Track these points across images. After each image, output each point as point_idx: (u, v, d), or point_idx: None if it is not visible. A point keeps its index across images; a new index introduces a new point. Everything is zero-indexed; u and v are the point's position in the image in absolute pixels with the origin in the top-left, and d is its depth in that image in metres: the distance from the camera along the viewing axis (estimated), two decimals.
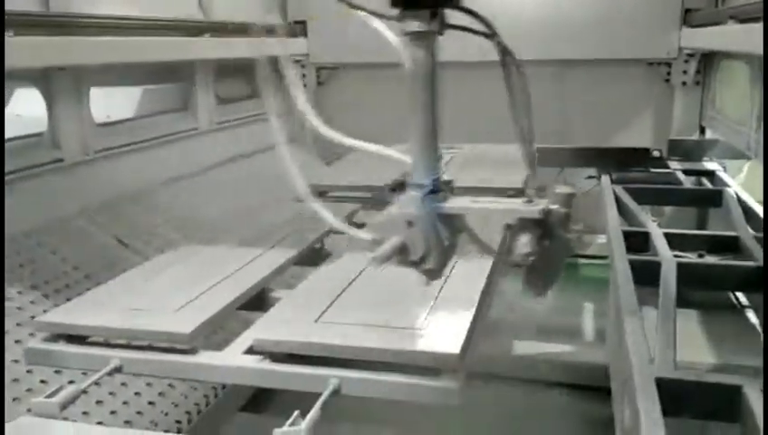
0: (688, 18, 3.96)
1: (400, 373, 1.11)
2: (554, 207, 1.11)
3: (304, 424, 0.98)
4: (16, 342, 1.99)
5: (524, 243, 1.10)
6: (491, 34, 1.10)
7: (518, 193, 2.30)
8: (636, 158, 3.48)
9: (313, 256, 1.78)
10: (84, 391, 1.16)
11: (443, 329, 1.17)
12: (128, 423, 1.96)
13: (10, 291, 2.17)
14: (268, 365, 1.16)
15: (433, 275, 1.15)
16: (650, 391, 1.33)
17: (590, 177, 3.48)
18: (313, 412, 1.02)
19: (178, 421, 2.10)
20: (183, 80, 3.51)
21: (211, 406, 2.20)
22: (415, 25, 1.04)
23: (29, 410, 1.13)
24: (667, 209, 3.88)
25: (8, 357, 1.93)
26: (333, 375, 1.12)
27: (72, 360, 1.26)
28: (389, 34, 1.06)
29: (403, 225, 1.11)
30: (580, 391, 2.71)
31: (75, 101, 2.73)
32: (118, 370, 1.21)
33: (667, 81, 4.18)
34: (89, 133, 2.78)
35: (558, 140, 3.84)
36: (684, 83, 4.11)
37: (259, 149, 4.14)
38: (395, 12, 1.05)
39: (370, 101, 4.61)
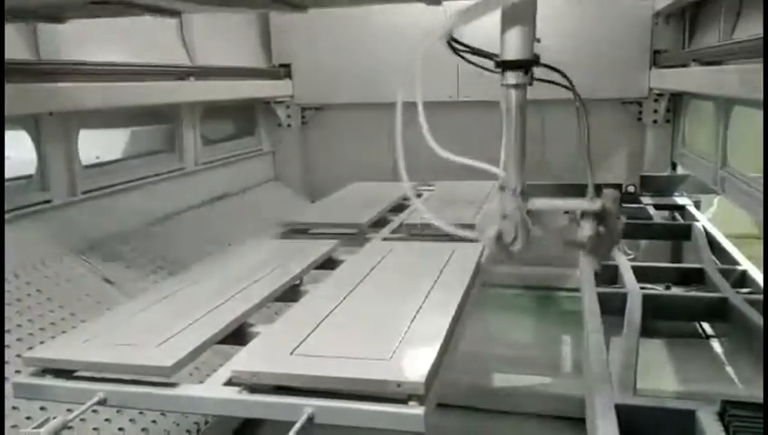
0: (657, 59, 4.14)
1: (371, 402, 1.18)
2: (608, 204, 1.47)
3: None
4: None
5: (587, 228, 1.47)
6: (569, 87, 1.51)
7: None
8: None
9: (292, 293, 1.85)
10: (70, 426, 1.21)
11: (410, 359, 1.25)
12: None
13: None
14: (246, 396, 1.23)
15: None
16: (610, 416, 1.41)
17: (567, 212, 3.58)
18: None
19: None
20: (169, 122, 3.62)
21: None
22: (513, 78, 1.43)
23: None
24: (642, 243, 3.99)
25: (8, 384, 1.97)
26: (308, 404, 1.19)
27: (59, 393, 1.32)
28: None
29: (499, 217, 1.47)
30: (559, 421, 2.76)
31: (64, 143, 2.81)
32: (102, 402, 1.27)
33: (639, 119, 4.35)
34: (77, 175, 2.86)
35: (537, 176, 3.96)
36: (655, 121, 4.27)
37: (244, 187, 4.25)
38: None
39: (352, 139, 4.75)
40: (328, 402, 1.19)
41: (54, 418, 1.22)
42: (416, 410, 1.15)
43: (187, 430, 2.18)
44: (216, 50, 3.91)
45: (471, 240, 1.65)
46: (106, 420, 2.03)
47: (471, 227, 1.58)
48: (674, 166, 4.30)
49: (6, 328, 2.24)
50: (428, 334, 1.37)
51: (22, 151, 2.81)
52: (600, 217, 1.50)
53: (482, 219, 1.66)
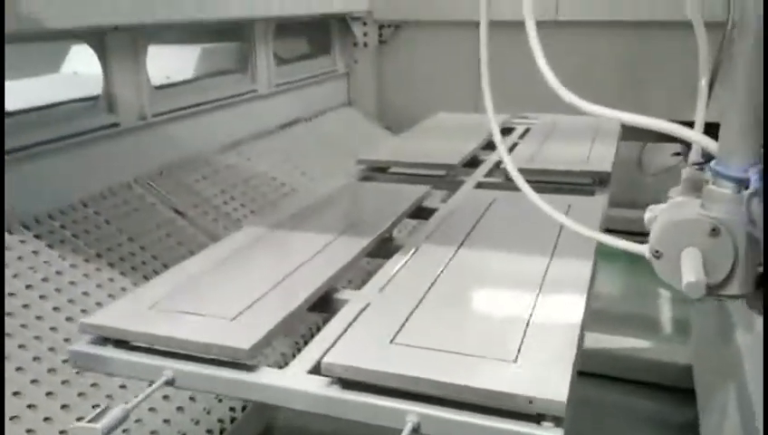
0: None
1: (492, 415, 0.94)
2: None
3: None
4: (67, 319, 1.92)
5: None
6: None
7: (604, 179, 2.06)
8: None
9: (382, 248, 1.61)
10: (133, 410, 1.03)
11: (542, 363, 0.99)
12: (166, 422, 1.83)
13: (63, 264, 2.09)
14: (338, 393, 1.01)
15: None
16: None
17: (676, 154, 3.19)
18: None
19: (221, 420, 1.98)
20: (242, 39, 3.35)
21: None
22: None
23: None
24: None
25: (59, 336, 1.86)
26: (412, 410, 0.96)
27: (121, 367, 1.14)
28: None
29: (703, 232, 0.87)
30: (658, 390, 2.51)
31: (132, 61, 2.60)
32: (170, 383, 1.09)
33: None
34: (146, 96, 2.66)
35: (636, 111, 3.54)
36: None
37: (317, 112, 3.99)
38: None
39: (434, 62, 4.36)
40: (438, 411, 0.96)
41: (108, 406, 1.02)
42: (552, 432, 0.91)
43: (220, 419, 1.98)
44: None
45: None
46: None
47: (641, 236, 1.01)
48: None
49: (73, 262, 2.12)
50: (558, 326, 1.11)
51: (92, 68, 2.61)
52: None
53: (664, 232, 0.94)
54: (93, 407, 1.42)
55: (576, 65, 4.15)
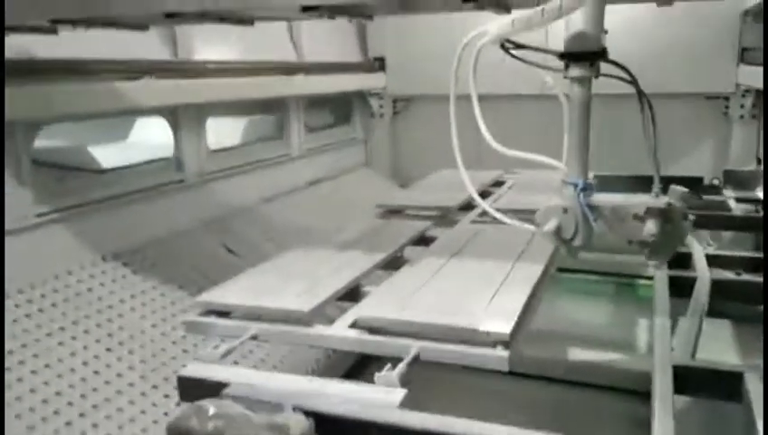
0: (745, 56, 4.19)
1: (465, 345, 1.49)
2: (673, 201, 1.51)
3: (396, 372, 1.38)
4: (152, 326, 2.49)
5: (651, 227, 1.45)
6: (632, 81, 1.50)
7: None
8: (690, 186, 3.71)
9: (394, 262, 2.18)
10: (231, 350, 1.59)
11: (498, 315, 1.54)
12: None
13: (145, 286, 2.68)
14: (367, 336, 1.57)
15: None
16: (667, 373, 1.65)
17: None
18: (402, 365, 1.41)
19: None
20: (279, 112, 4.04)
21: None
22: (577, 72, 1.44)
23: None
24: (726, 235, 4.07)
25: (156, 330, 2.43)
26: (415, 345, 1.51)
27: (221, 329, 1.70)
28: (549, 79, 1.59)
29: (560, 211, 1.51)
30: (627, 394, 2.97)
31: (196, 130, 3.26)
32: (254, 337, 1.64)
33: (726, 114, 4.41)
34: (205, 158, 3.31)
35: (617, 168, 4.12)
36: (741, 117, 4.32)
37: (339, 172, 4.64)
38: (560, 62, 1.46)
39: (439, 129, 5.00)
40: (431, 344, 1.51)
41: (217, 347, 1.59)
42: (502, 353, 1.45)
43: (305, 371, 2.55)
44: (319, 46, 4.30)
45: None
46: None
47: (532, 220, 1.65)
48: (759, 161, 4.34)
49: (153, 285, 2.70)
50: (513, 297, 1.66)
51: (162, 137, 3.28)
52: (665, 214, 1.47)
53: (542, 213, 1.60)
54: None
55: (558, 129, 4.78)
